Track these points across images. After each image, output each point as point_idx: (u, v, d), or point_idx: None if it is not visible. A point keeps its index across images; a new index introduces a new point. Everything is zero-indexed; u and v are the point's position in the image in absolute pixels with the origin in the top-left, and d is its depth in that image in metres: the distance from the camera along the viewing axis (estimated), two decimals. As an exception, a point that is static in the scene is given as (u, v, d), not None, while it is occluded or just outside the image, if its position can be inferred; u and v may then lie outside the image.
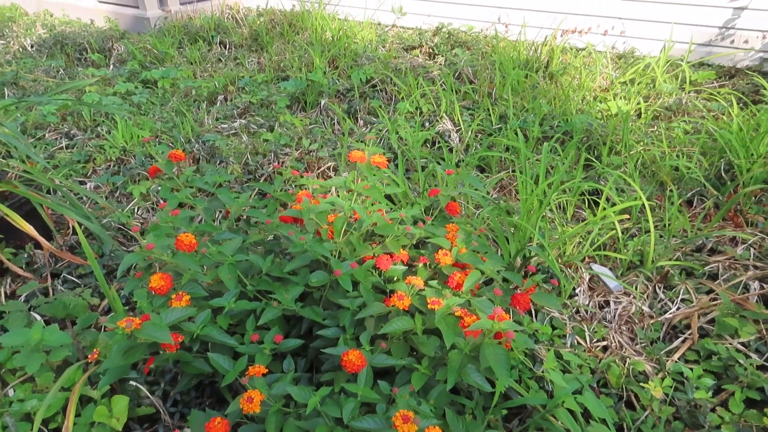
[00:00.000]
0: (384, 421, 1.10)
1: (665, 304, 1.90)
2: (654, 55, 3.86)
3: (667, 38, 3.85)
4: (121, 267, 1.29)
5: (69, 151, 2.87)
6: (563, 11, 4.25)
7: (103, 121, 3.11)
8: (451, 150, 2.86)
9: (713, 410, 1.52)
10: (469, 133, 2.93)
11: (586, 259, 2.10)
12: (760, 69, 3.66)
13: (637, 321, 1.86)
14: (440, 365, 1.28)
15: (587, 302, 1.92)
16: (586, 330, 1.80)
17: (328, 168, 2.71)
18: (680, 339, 1.76)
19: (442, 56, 4.09)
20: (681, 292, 1.92)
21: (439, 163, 2.68)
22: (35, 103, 3.12)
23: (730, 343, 1.69)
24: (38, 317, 1.76)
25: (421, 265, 1.48)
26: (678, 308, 1.87)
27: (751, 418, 1.46)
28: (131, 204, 2.46)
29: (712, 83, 3.61)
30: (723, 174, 2.55)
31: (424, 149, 2.86)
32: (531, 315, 1.85)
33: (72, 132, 3.02)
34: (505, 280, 1.56)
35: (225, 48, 4.56)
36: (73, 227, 2.25)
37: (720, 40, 3.82)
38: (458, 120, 3.05)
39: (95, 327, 1.76)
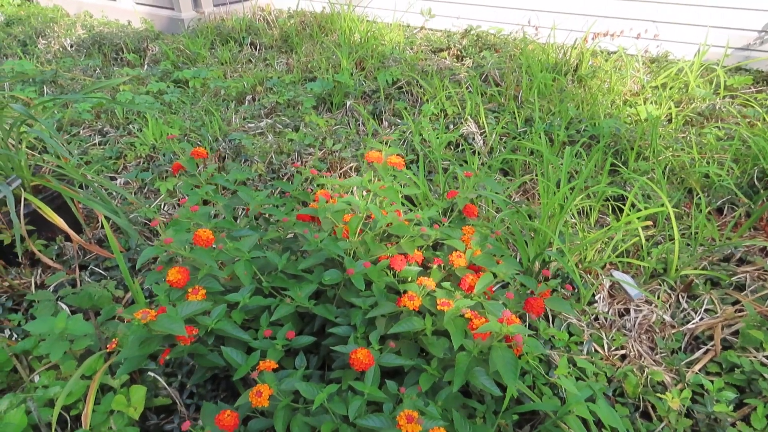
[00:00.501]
0: (389, 420, 1.10)
1: (688, 313, 1.86)
2: (688, 59, 3.77)
3: (702, 42, 3.75)
4: (140, 260, 1.33)
5: (102, 147, 2.96)
6: (595, 14, 4.18)
7: (135, 119, 3.20)
8: (474, 153, 2.85)
9: (733, 425, 1.48)
10: (494, 135, 2.91)
11: (608, 266, 2.06)
12: (801, 74, 3.54)
13: (657, 330, 1.81)
14: (449, 367, 1.28)
15: (607, 309, 1.89)
16: (605, 337, 1.77)
17: (351, 168, 2.73)
18: (702, 350, 1.71)
19: (470, 58, 4.07)
20: (705, 302, 1.87)
21: (461, 165, 2.67)
22: (71, 100, 3.24)
23: (755, 357, 1.64)
24: (65, 307, 1.82)
25: (435, 266, 1.48)
26: (701, 318, 1.82)
27: (773, 434, 1.42)
28: (158, 200, 2.53)
29: (749, 88, 3.50)
30: (756, 182, 2.47)
31: (447, 151, 2.85)
32: (548, 320, 1.83)
33: (105, 129, 3.11)
34: (522, 284, 1.55)
35: (255, 49, 4.63)
36: (102, 221, 2.32)
37: (759, 44, 3.71)
38: (483, 123, 3.03)
39: (118, 318, 1.81)
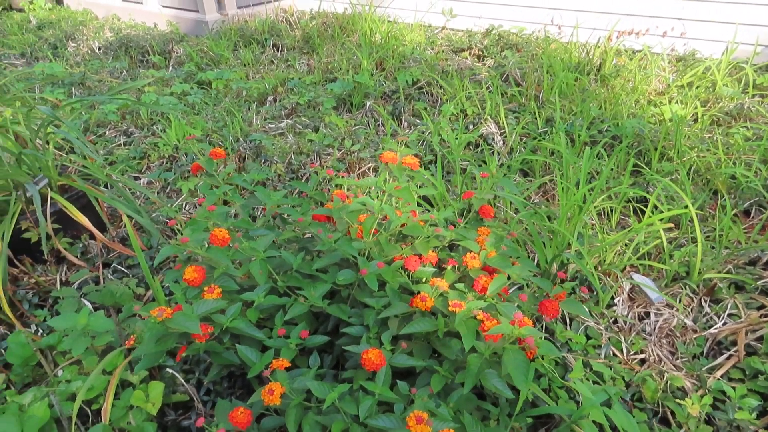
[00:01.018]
0: (400, 420, 1.10)
1: (710, 318, 1.81)
2: (716, 57, 3.68)
3: (731, 39, 3.65)
4: (157, 259, 1.36)
5: (126, 147, 3.03)
6: (619, 12, 4.12)
7: (159, 120, 3.26)
8: (493, 153, 2.83)
9: (756, 432, 1.44)
10: (514, 136, 2.88)
11: (628, 269, 2.02)
12: (835, 72, 3.42)
13: (678, 335, 1.78)
14: (462, 368, 1.27)
15: (626, 313, 1.85)
16: (623, 341, 1.74)
17: (369, 169, 2.74)
18: (724, 356, 1.67)
19: (491, 58, 4.04)
20: (729, 306, 1.82)
21: (480, 166, 2.66)
22: (98, 102, 3.31)
23: (780, 363, 1.60)
24: (88, 304, 1.87)
25: (449, 267, 1.48)
26: (724, 323, 1.77)
27: (797, 444, 1.38)
28: (180, 199, 2.57)
29: (779, 87, 3.40)
30: (785, 183, 2.41)
31: (466, 152, 2.84)
32: (565, 323, 1.81)
33: (130, 130, 3.18)
34: (539, 286, 1.54)
35: (277, 50, 4.68)
36: (125, 220, 2.37)
37: (790, 41, 3.60)
38: (503, 123, 3.01)
39: (139, 315, 1.85)
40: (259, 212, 2.46)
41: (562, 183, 2.07)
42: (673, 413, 1.52)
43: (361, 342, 1.30)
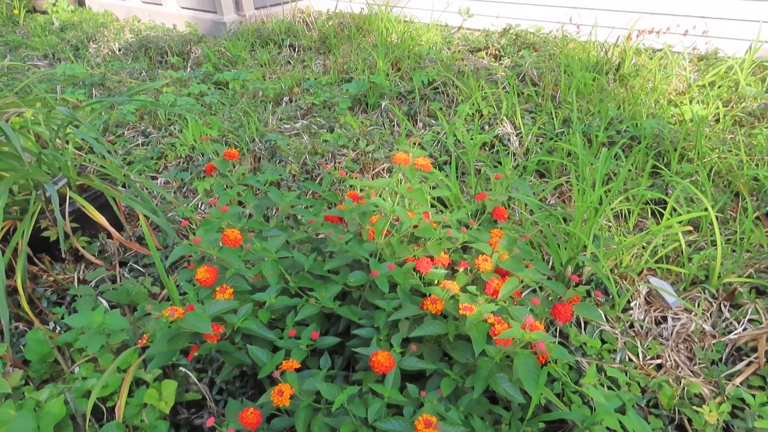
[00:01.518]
0: (408, 424, 1.10)
1: (730, 323, 1.77)
2: (739, 56, 3.60)
3: (754, 38, 3.57)
4: (170, 259, 1.37)
5: (144, 147, 3.06)
6: (639, 10, 4.05)
7: (176, 120, 3.30)
8: (509, 154, 2.80)
9: (776, 442, 1.41)
10: (530, 136, 2.86)
11: (645, 272, 1.99)
12: None
13: (697, 340, 1.74)
14: (472, 372, 1.26)
15: (642, 317, 1.82)
16: (639, 346, 1.71)
17: (383, 169, 2.73)
18: (744, 362, 1.63)
19: (508, 58, 4.01)
20: (749, 311, 1.78)
21: (495, 167, 2.64)
22: (116, 102, 3.36)
23: (802, 371, 1.55)
24: (104, 302, 1.89)
25: (461, 269, 1.47)
26: (744, 329, 1.73)
27: (819, 454, 1.34)
28: (195, 199, 2.60)
29: (805, 86, 3.31)
30: (810, 186, 2.34)
31: (482, 152, 2.82)
32: (580, 327, 1.79)
33: (148, 130, 3.22)
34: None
35: (294, 51, 4.70)
36: (141, 220, 2.40)
37: (817, 39, 3.51)
38: (519, 123, 2.98)
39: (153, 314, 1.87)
40: (273, 212, 2.47)
41: (577, 185, 2.04)
42: (690, 420, 1.49)
43: (371, 344, 1.30)
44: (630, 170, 2.59)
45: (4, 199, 1.81)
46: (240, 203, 2.32)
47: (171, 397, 1.49)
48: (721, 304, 1.84)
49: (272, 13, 5.51)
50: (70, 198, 2.10)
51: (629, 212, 2.29)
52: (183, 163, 2.93)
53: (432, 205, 2.32)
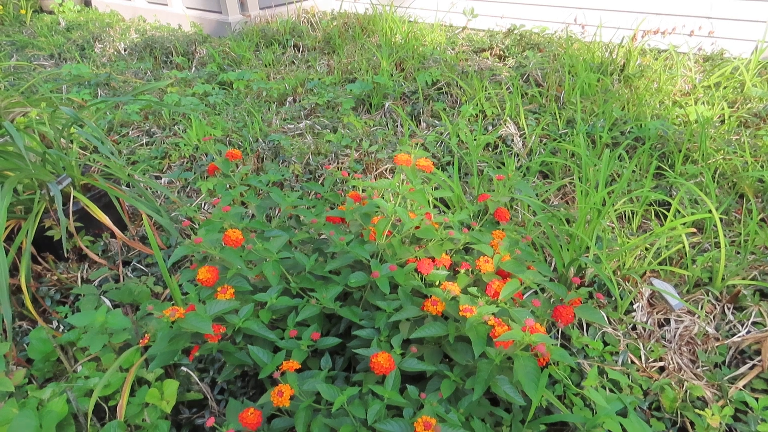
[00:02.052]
0: (408, 425, 1.10)
1: (734, 326, 1.76)
2: (745, 57, 3.58)
3: (760, 39, 3.55)
4: (172, 259, 1.37)
5: (148, 147, 3.07)
6: (645, 11, 4.04)
7: (180, 120, 3.31)
8: (512, 154, 2.80)
9: (779, 446, 1.40)
10: (533, 137, 2.85)
11: (648, 274, 1.98)
12: None
13: (700, 343, 1.73)
14: (473, 374, 1.26)
15: (645, 319, 1.81)
16: (642, 348, 1.70)
17: (386, 170, 2.73)
18: (747, 365, 1.62)
19: (512, 58, 4.00)
20: (753, 314, 1.77)
21: (498, 168, 2.63)
22: (121, 102, 3.37)
23: (806, 374, 1.54)
24: (107, 301, 1.90)
25: (462, 271, 1.46)
26: (748, 332, 1.72)
27: (823, 459, 1.33)
28: (199, 199, 2.60)
29: (812, 88, 3.29)
30: (815, 188, 2.33)
31: (485, 153, 2.82)
32: (582, 329, 1.78)
33: (152, 130, 3.23)
34: (554, 291, 1.51)
35: (298, 51, 4.71)
36: (144, 219, 2.41)
37: (824, 40, 3.48)
38: (522, 124, 2.98)
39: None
40: (276, 213, 2.47)
41: (581, 186, 2.04)
42: (692, 424, 1.48)
43: (372, 345, 1.30)
44: (634, 171, 2.58)
45: (9, 199, 1.82)
46: (243, 203, 2.33)
47: (172, 397, 1.49)
48: (725, 307, 1.83)
49: (277, 13, 5.52)
50: (74, 197, 2.11)
51: (633, 214, 2.29)
52: (187, 162, 2.94)
53: (435, 206, 2.32)
